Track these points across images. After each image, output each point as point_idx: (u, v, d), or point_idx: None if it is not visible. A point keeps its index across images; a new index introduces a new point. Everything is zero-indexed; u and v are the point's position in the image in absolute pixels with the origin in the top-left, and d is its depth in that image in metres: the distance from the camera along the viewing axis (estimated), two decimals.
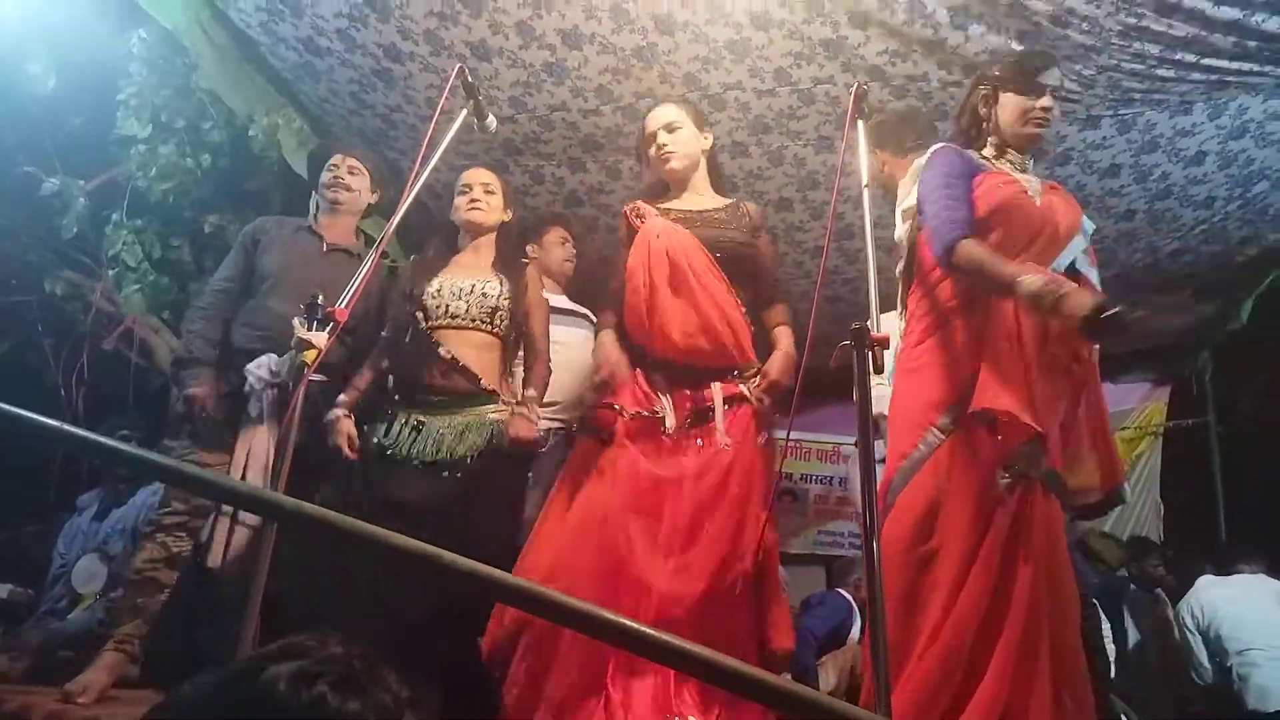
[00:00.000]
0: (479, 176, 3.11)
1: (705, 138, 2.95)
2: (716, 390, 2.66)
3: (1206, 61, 3.18)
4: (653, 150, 2.90)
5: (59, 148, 3.66)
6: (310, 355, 2.04)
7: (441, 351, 2.82)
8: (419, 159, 2.29)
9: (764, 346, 2.84)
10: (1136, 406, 6.03)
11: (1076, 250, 2.37)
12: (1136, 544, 5.34)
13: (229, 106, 3.61)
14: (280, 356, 2.83)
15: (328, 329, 2.06)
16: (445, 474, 2.69)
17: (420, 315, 2.88)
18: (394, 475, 2.72)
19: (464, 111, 2.48)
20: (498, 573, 1.26)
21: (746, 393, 2.67)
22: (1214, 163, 3.83)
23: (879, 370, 1.79)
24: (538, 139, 3.98)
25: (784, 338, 2.82)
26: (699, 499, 2.53)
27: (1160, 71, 3.25)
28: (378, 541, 1.35)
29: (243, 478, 2.72)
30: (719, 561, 2.47)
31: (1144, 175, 3.91)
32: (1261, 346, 5.30)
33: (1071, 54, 3.20)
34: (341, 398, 2.92)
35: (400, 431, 2.76)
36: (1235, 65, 3.20)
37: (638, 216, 2.88)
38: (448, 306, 2.88)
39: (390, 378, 2.93)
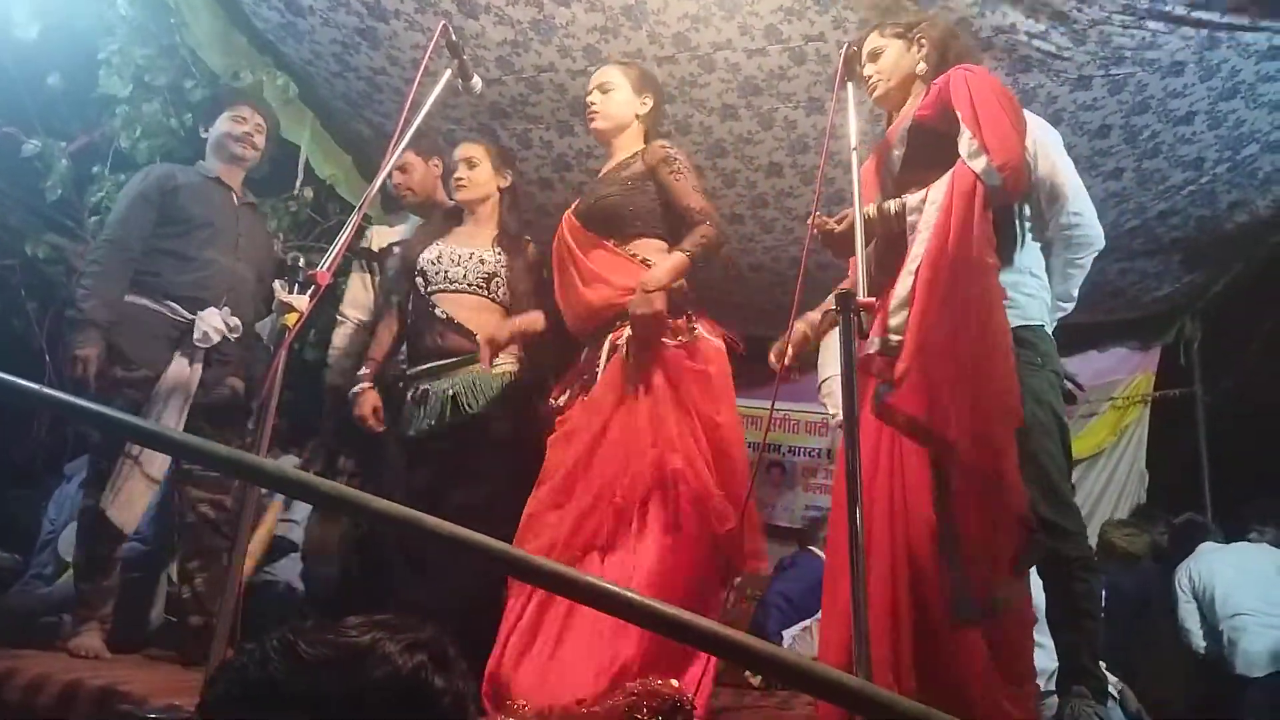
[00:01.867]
0: (462, 152, 3.15)
1: (642, 103, 2.89)
2: (605, 346, 2.68)
3: (1196, 14, 3.15)
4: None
5: (39, 109, 3.59)
6: (292, 318, 2.03)
7: (437, 312, 2.95)
8: (401, 120, 2.25)
9: None
10: (1125, 377, 6.04)
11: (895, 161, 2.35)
12: (1142, 514, 5.30)
13: (210, 67, 3.55)
14: (219, 309, 2.98)
15: (309, 292, 2.04)
16: (452, 434, 2.83)
17: (420, 281, 3.00)
18: (412, 452, 2.90)
19: (448, 72, 2.44)
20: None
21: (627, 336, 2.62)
22: (1204, 123, 3.79)
23: (864, 335, 1.78)
24: (525, 101, 3.93)
25: (657, 268, 2.63)
26: (577, 459, 2.55)
27: (1150, 23, 3.21)
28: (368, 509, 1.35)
29: (161, 413, 2.84)
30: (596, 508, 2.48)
31: (1134, 135, 3.87)
32: (1249, 316, 5.30)
33: (1062, 7, 3.16)
34: (362, 371, 3.10)
35: (413, 411, 2.91)
36: (1225, 19, 3.17)
37: None
38: (446, 272, 2.99)
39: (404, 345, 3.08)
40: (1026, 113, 2.52)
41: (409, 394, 2.96)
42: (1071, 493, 2.53)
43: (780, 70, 3.63)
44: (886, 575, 2.04)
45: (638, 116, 2.89)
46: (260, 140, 3.27)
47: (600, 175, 2.89)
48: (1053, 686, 2.55)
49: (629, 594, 1.25)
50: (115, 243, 2.97)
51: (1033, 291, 2.53)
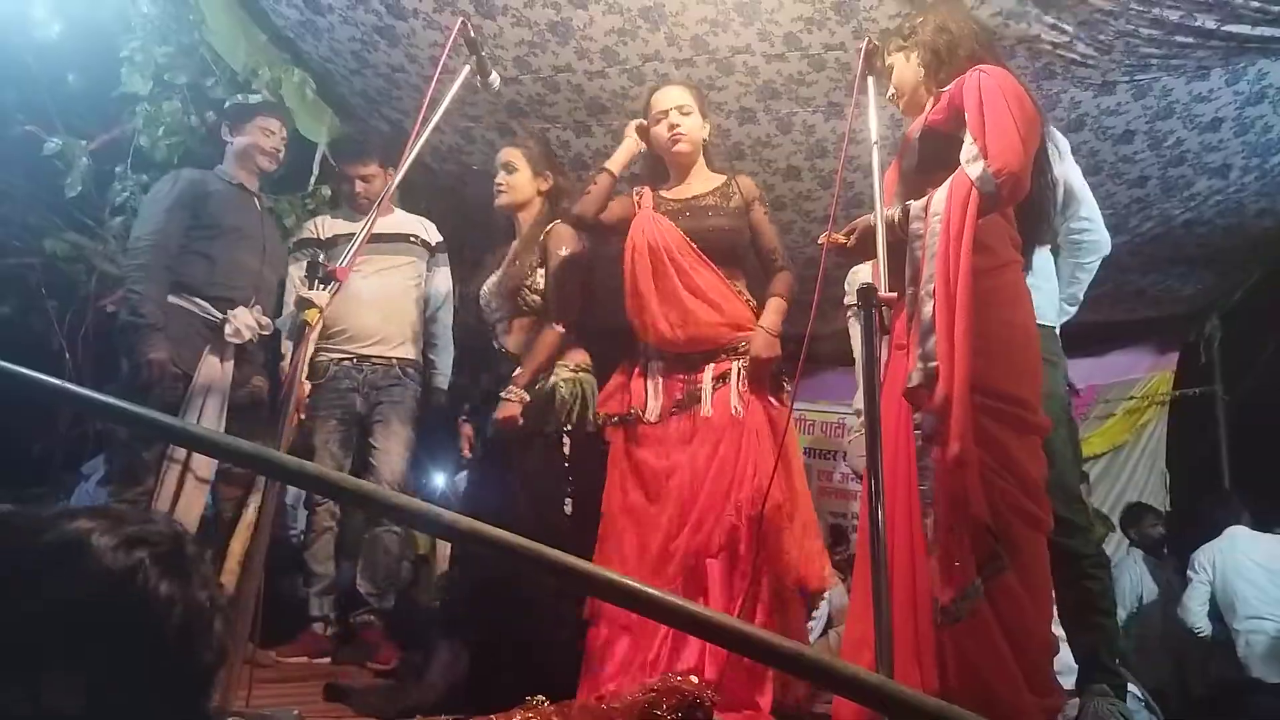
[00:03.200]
0: (501, 157, 3.13)
1: (705, 125, 2.94)
2: (708, 373, 2.74)
3: (1227, 28, 3.12)
4: (662, 129, 2.85)
5: (59, 107, 3.60)
6: (312, 314, 2.03)
7: (495, 344, 3.03)
8: (420, 117, 2.25)
9: None
10: (1143, 376, 5.99)
11: (910, 167, 2.33)
12: (1133, 509, 5.31)
13: (230, 65, 3.57)
14: (251, 308, 3.07)
15: (329, 288, 2.04)
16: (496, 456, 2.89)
17: (482, 318, 3.11)
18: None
19: (466, 68, 2.43)
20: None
21: (735, 377, 2.72)
22: (1230, 129, 3.76)
23: (886, 331, 1.76)
24: (543, 101, 3.93)
25: (771, 312, 2.78)
26: (693, 471, 2.64)
27: (1179, 38, 3.19)
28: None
29: (201, 410, 2.91)
30: (716, 520, 2.58)
31: (1158, 141, 3.84)
32: (1270, 315, 5.24)
33: (1089, 19, 3.15)
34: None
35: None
36: (1257, 31, 3.14)
37: (638, 204, 2.90)
38: (491, 305, 3.06)
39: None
40: None
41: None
42: (1081, 490, 2.53)
43: (799, 76, 3.62)
44: (909, 572, 2.01)
45: (704, 140, 2.93)
46: (284, 153, 3.38)
47: (692, 199, 2.86)
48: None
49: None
50: (157, 247, 3.03)
51: (1042, 291, 2.54)
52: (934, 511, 1.97)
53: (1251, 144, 3.85)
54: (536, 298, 2.95)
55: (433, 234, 3.68)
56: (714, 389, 2.72)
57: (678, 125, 2.82)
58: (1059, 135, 2.71)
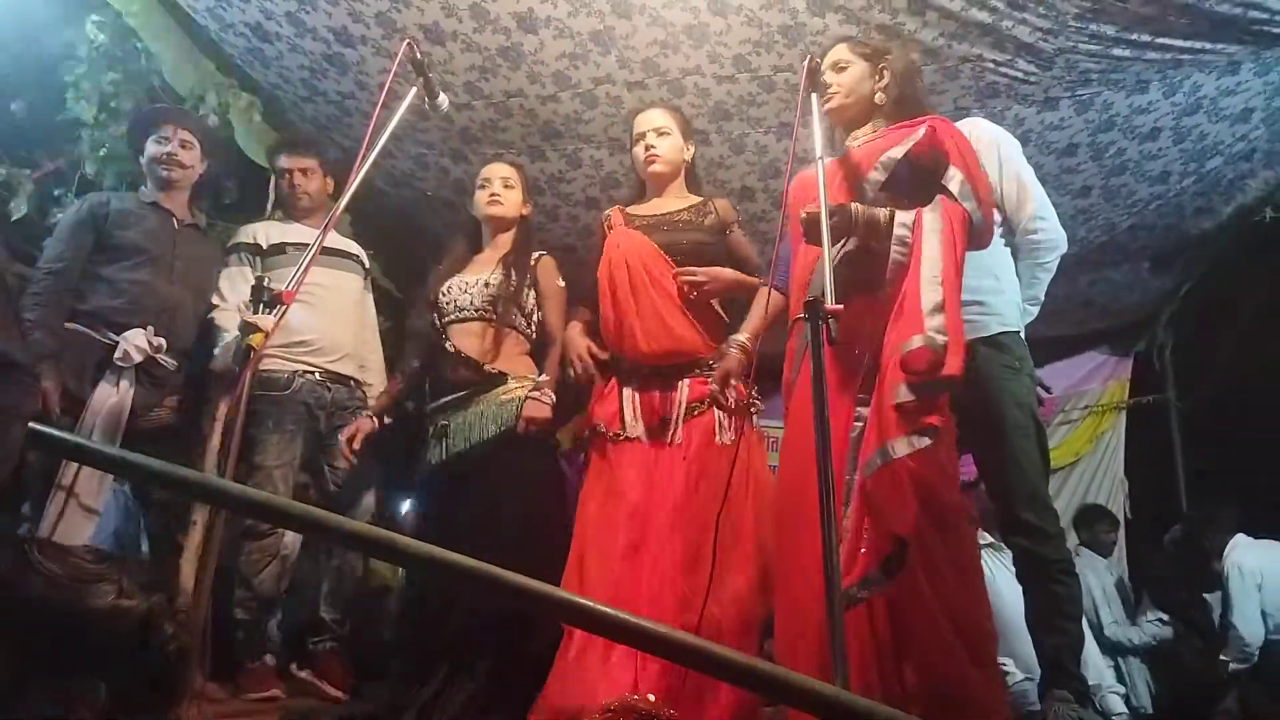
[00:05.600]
0: (498, 170, 3.20)
1: (688, 149, 3.01)
2: (683, 389, 2.75)
3: (1161, 40, 3.22)
4: (639, 149, 2.94)
5: (3, 135, 3.54)
6: (258, 339, 2.00)
7: (448, 346, 2.99)
8: (366, 139, 2.24)
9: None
10: (1099, 385, 6.07)
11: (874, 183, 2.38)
12: (1088, 510, 5.32)
13: (177, 91, 3.54)
14: (144, 329, 2.94)
15: (274, 311, 2.02)
16: (470, 466, 2.87)
17: (435, 316, 3.07)
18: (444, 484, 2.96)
19: (413, 90, 2.43)
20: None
21: (714, 390, 2.67)
22: (1169, 138, 3.86)
23: (833, 342, 1.78)
24: (495, 126, 3.93)
25: (745, 327, 2.76)
26: (670, 508, 2.62)
27: (1116, 51, 3.28)
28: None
29: (90, 435, 2.77)
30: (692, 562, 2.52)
31: (1100, 152, 3.93)
32: (1219, 322, 5.34)
33: (1029, 37, 3.22)
34: (371, 402, 3.23)
35: (434, 446, 2.96)
36: (1189, 44, 3.24)
37: (608, 226, 2.96)
38: (455, 302, 3.05)
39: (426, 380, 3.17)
40: (985, 121, 2.72)
41: (430, 429, 3.02)
42: (1049, 495, 2.55)
43: (750, 97, 3.66)
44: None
45: (684, 162, 2.99)
46: (190, 156, 3.19)
47: (665, 215, 2.91)
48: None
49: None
50: (55, 273, 2.94)
51: (1007, 296, 2.61)
52: (854, 503, 2.10)
53: (1189, 150, 3.96)
54: (522, 319, 3.07)
55: (366, 259, 3.59)
56: (694, 414, 2.72)
57: (653, 146, 2.91)
58: (1009, 138, 2.75)
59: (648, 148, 2.91)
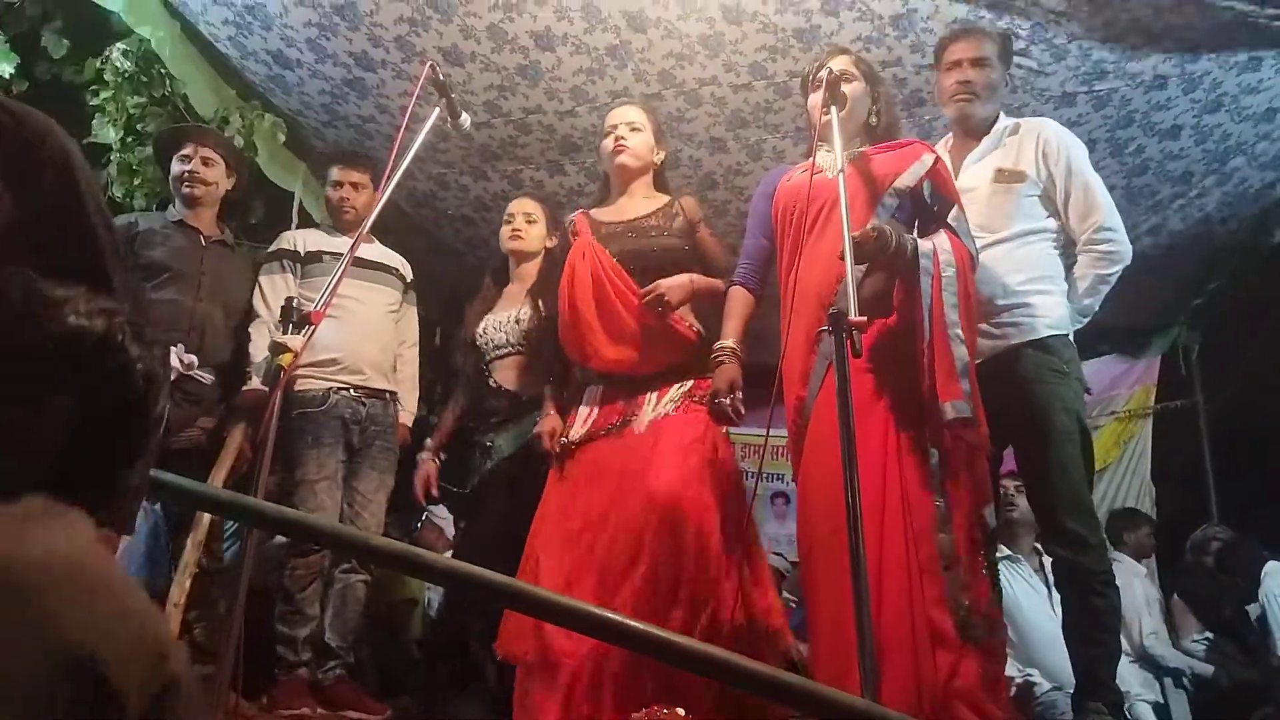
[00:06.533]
0: (522, 206, 3.29)
1: (659, 152, 2.92)
2: (649, 400, 2.67)
3: (1175, 30, 3.19)
4: (608, 141, 2.84)
5: None
6: (287, 359, 2.02)
7: (490, 381, 3.14)
8: (390, 161, 2.27)
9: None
10: (1126, 391, 6.00)
11: (889, 208, 2.39)
12: (1125, 515, 5.19)
13: (201, 114, 3.58)
14: (175, 347, 2.94)
15: (304, 331, 2.04)
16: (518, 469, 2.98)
17: (476, 357, 3.22)
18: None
19: (436, 111, 2.46)
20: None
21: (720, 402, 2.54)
22: (1190, 137, 3.83)
23: (858, 354, 1.78)
24: (514, 143, 3.97)
25: (729, 331, 2.64)
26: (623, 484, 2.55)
27: (1131, 39, 3.26)
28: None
29: None
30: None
31: (1119, 150, 3.90)
32: (1247, 325, 5.28)
33: (1043, 20, 3.19)
34: (428, 441, 3.36)
35: (480, 460, 3.11)
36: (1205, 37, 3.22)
37: (573, 232, 2.87)
38: (492, 341, 3.17)
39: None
40: (1053, 123, 2.74)
41: (476, 450, 3.15)
42: (1093, 504, 2.52)
43: (766, 103, 3.67)
44: (906, 596, 2.04)
45: (654, 164, 2.91)
46: (212, 173, 3.19)
47: (633, 221, 2.80)
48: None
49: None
50: None
51: (1056, 298, 2.58)
52: (952, 529, 2.12)
53: (1211, 151, 3.92)
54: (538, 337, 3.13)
55: (408, 271, 3.56)
56: (660, 413, 2.64)
57: (623, 138, 2.81)
58: (1078, 142, 2.70)
59: (617, 139, 2.81)
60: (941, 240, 2.28)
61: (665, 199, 2.87)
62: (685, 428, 2.56)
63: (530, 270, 3.25)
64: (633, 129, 2.83)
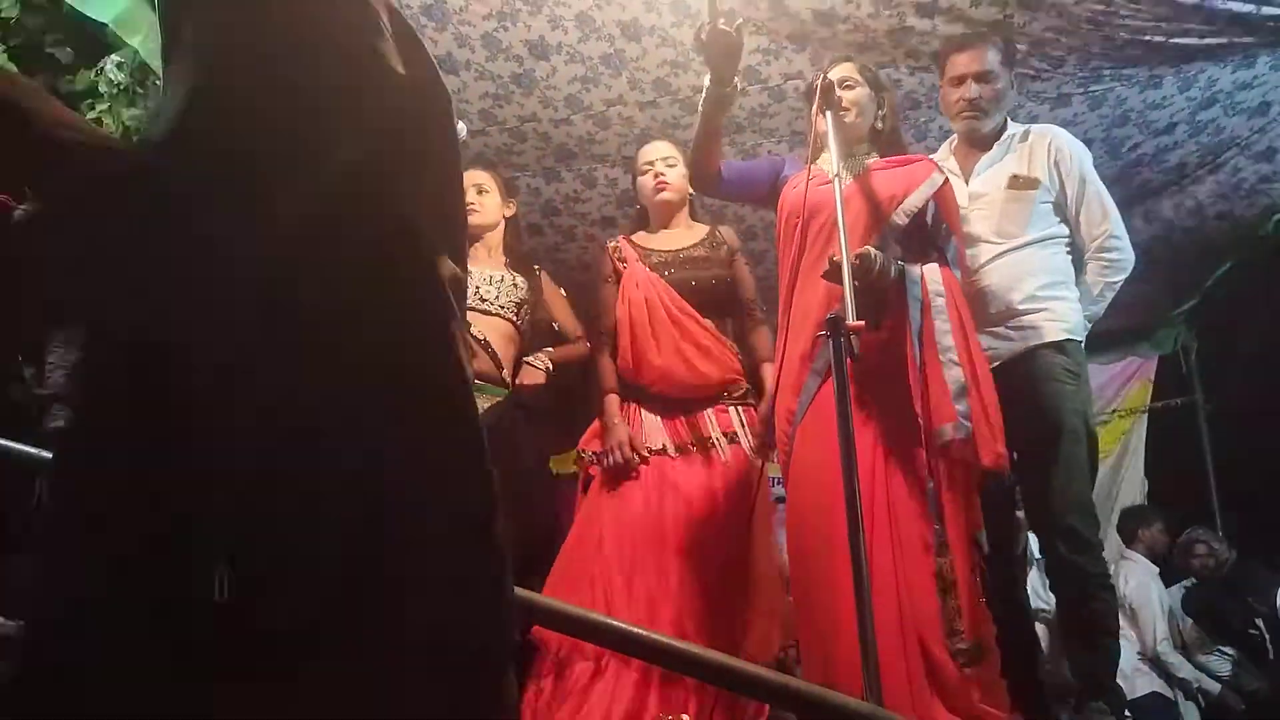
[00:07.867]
0: (472, 178, 3.14)
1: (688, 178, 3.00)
2: (710, 416, 2.79)
3: (1175, 41, 3.20)
4: (648, 178, 2.95)
5: None
6: None
7: (474, 333, 2.92)
8: None
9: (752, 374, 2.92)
10: (1123, 388, 6.00)
11: (898, 228, 2.42)
12: (1138, 512, 5.16)
13: None
14: None
15: None
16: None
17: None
18: None
19: None
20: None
21: (738, 425, 2.77)
22: (1184, 132, 3.86)
23: (855, 357, 1.78)
24: (510, 150, 3.97)
25: (767, 379, 2.80)
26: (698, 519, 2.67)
27: (1130, 51, 3.28)
28: None
29: None
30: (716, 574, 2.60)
31: (1115, 147, 3.92)
32: (1244, 323, 5.28)
33: (1040, 36, 3.21)
34: None
35: None
36: (1205, 41, 3.22)
37: (620, 259, 2.95)
38: (478, 289, 3.00)
39: None
40: (1063, 131, 2.76)
41: None
42: (1093, 504, 2.53)
43: (761, 108, 3.68)
44: (894, 611, 2.03)
45: (689, 192, 3.00)
46: None
47: (680, 251, 2.92)
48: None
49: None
50: None
51: (1071, 303, 2.62)
52: (951, 553, 2.14)
53: (1205, 144, 3.95)
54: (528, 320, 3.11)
55: None
56: (729, 442, 2.77)
57: (663, 174, 2.91)
58: (1082, 147, 2.75)
59: (657, 175, 2.92)
60: (931, 269, 2.33)
61: (706, 228, 3.01)
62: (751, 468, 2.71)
63: (494, 239, 3.15)
64: (668, 164, 2.93)
